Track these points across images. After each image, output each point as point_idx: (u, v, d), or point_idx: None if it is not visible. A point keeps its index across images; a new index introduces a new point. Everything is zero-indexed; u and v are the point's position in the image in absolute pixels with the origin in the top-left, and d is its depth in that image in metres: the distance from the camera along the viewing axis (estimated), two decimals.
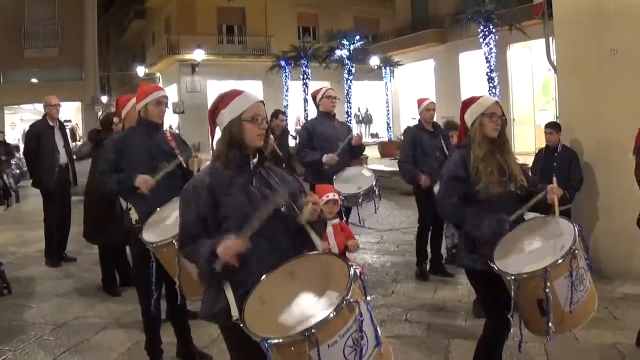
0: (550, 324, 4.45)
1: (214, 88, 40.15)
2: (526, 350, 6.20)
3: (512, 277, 4.53)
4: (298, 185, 4.21)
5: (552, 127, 9.79)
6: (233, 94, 3.95)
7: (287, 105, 41.27)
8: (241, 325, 3.46)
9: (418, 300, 8.60)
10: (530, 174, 6.81)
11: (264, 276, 3.67)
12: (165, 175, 6.10)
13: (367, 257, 11.21)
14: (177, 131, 26.41)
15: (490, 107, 5.16)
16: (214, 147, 4.04)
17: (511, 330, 5.06)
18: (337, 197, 6.82)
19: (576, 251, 4.44)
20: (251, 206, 3.79)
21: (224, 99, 3.95)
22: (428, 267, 9.71)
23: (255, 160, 3.95)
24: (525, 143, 27.67)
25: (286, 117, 13.54)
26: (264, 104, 3.98)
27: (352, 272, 3.43)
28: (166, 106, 6.42)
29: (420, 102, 9.65)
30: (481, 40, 27.95)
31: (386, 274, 10.01)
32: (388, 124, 41.91)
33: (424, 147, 9.35)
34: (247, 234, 3.59)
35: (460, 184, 5.16)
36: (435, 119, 9.70)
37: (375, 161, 27.43)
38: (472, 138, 5.20)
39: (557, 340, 4.88)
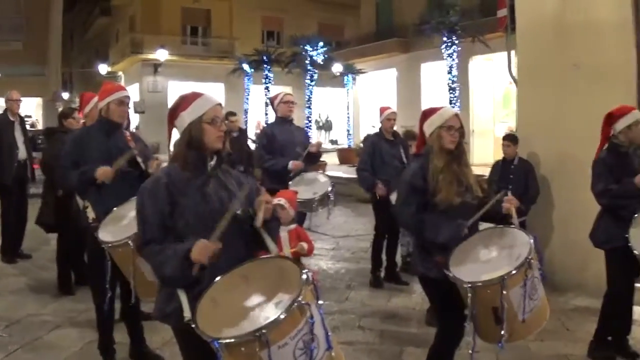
0: (503, 332, 4.51)
1: (176, 89, 39.82)
2: (478, 359, 6.26)
3: (469, 285, 4.59)
4: (253, 185, 4.23)
5: (510, 140, 9.89)
6: (193, 97, 3.99)
7: (247, 109, 41.29)
8: (193, 325, 3.47)
9: (372, 307, 8.65)
10: (486, 185, 6.88)
11: (217, 278, 3.68)
12: (123, 164, 6.09)
13: (322, 263, 11.23)
14: (138, 131, 26.26)
15: (448, 120, 5.19)
16: (172, 148, 4.07)
17: (463, 339, 5.13)
18: (283, 202, 6.80)
19: (532, 261, 4.51)
20: (207, 207, 3.82)
21: (184, 101, 3.98)
22: (383, 274, 9.77)
23: (212, 162, 3.97)
24: (484, 154, 27.85)
25: (245, 117, 13.54)
26: (222, 107, 4.02)
27: (304, 275, 3.46)
28: (128, 106, 6.42)
29: (382, 110, 9.73)
30: (444, 51, 28.21)
31: (340, 281, 10.05)
32: (348, 131, 42.19)
33: (383, 155, 9.41)
34: (217, 237, 3.63)
35: (418, 194, 5.19)
36: (395, 128, 9.77)
37: (334, 168, 27.40)
38: (431, 149, 5.25)
39: (509, 350, 4.95)
